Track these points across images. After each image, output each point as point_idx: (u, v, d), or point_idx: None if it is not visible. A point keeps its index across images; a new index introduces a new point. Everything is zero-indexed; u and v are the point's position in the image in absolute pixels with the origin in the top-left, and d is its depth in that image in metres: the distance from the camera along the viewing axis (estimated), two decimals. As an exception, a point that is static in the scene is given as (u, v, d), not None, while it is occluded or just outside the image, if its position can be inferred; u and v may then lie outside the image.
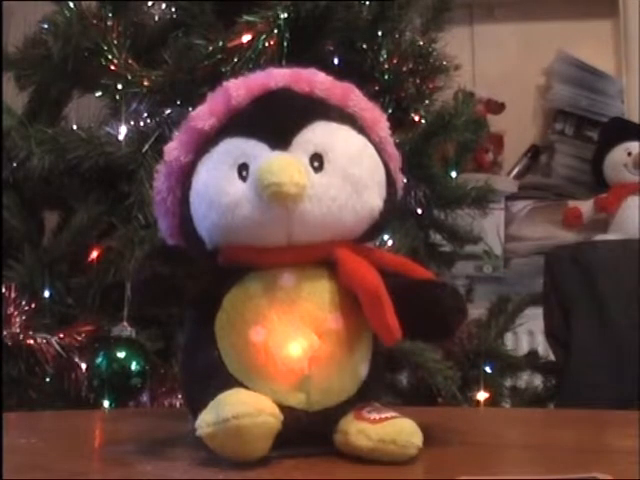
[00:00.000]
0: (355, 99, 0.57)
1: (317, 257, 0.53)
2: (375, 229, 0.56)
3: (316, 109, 0.55)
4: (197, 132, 0.56)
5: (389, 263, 0.55)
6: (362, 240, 0.56)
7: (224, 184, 0.52)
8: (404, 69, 1.33)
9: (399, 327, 0.50)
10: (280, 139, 0.52)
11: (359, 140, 0.55)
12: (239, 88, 0.55)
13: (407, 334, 0.51)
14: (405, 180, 0.61)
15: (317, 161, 0.52)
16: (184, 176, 0.55)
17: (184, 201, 0.55)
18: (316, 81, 0.56)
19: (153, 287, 0.51)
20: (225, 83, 0.56)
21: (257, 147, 0.52)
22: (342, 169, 0.53)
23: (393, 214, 0.57)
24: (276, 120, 0.54)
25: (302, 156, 0.52)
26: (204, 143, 0.55)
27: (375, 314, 0.51)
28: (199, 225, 0.54)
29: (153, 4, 1.29)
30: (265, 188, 0.50)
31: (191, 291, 0.52)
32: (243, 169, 0.52)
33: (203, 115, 0.56)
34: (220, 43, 1.11)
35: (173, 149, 0.56)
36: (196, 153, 0.55)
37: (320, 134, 0.53)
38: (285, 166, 0.50)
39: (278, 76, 0.56)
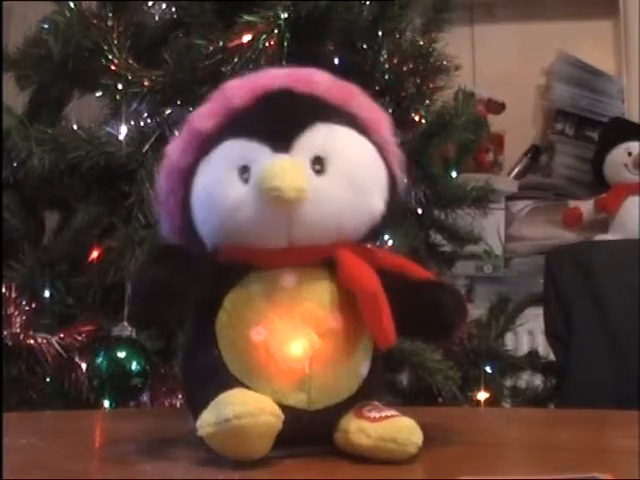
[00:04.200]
0: (357, 99, 0.57)
1: (317, 258, 0.53)
2: (376, 230, 0.56)
3: (317, 111, 0.54)
4: (197, 133, 0.55)
5: (389, 264, 0.55)
6: (363, 241, 0.56)
7: (225, 186, 0.52)
8: (404, 69, 1.33)
9: (394, 332, 0.51)
10: (281, 142, 0.52)
11: (360, 142, 0.54)
12: (239, 89, 0.55)
13: (408, 334, 0.51)
14: (406, 180, 0.61)
15: (318, 164, 0.52)
16: (185, 178, 0.55)
17: (185, 203, 0.55)
18: (316, 81, 0.56)
19: (154, 291, 0.51)
20: (224, 84, 0.56)
21: (258, 150, 0.52)
22: (343, 172, 0.52)
23: (395, 215, 0.57)
24: (277, 122, 0.53)
25: (303, 159, 0.52)
26: (205, 145, 0.55)
27: (372, 317, 0.51)
28: (200, 227, 0.54)
29: (153, 4, 1.28)
30: (266, 192, 0.50)
31: (192, 292, 0.52)
32: (244, 171, 0.52)
33: (203, 116, 0.56)
34: (220, 43, 1.11)
35: (174, 151, 0.56)
36: (197, 155, 0.55)
37: (321, 137, 0.53)
38: (286, 170, 0.50)
39: (277, 76, 0.56)
